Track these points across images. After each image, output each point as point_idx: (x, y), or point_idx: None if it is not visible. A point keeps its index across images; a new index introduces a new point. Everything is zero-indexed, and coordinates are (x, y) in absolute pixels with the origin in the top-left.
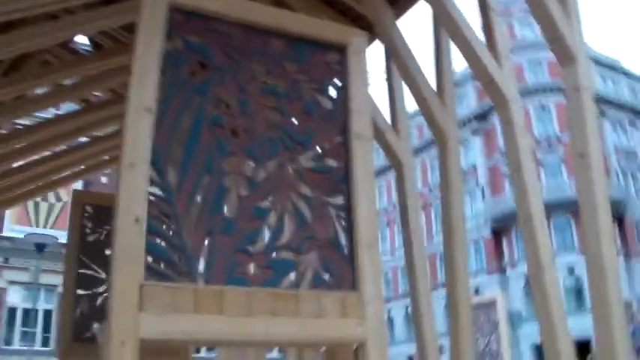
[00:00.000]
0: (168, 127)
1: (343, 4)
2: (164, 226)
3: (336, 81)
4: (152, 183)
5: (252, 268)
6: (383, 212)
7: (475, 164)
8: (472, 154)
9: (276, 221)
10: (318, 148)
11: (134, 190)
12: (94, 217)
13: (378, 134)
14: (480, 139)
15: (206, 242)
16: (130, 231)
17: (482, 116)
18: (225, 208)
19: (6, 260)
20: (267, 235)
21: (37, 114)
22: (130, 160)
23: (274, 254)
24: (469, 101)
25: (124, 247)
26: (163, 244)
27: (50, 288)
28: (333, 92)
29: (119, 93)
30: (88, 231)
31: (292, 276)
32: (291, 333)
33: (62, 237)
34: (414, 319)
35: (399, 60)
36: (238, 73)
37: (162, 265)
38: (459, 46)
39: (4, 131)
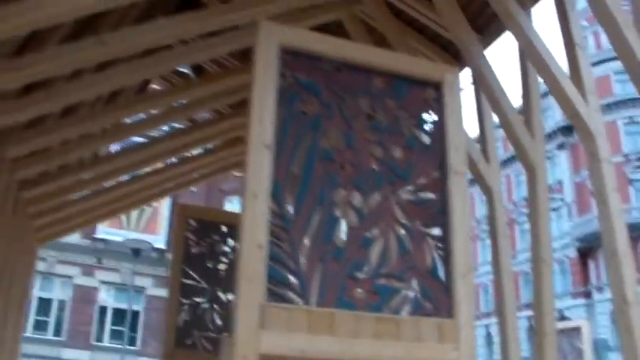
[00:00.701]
0: (284, 161)
1: (434, 32)
2: (282, 252)
3: (433, 116)
4: (272, 213)
5: (359, 292)
6: None
7: (561, 180)
8: (558, 169)
9: (380, 250)
10: (417, 181)
11: (257, 219)
12: (197, 230)
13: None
14: (566, 154)
15: (319, 268)
16: (253, 256)
17: (567, 129)
18: (336, 237)
19: (99, 261)
20: (372, 262)
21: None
22: (253, 192)
23: (379, 281)
24: (554, 113)
25: (247, 270)
26: (281, 268)
27: (139, 289)
28: (430, 127)
29: (222, 112)
30: (190, 243)
31: (395, 302)
32: (393, 355)
33: (153, 241)
34: (502, 342)
35: (486, 87)
36: (344, 109)
37: (280, 288)
38: (544, 79)
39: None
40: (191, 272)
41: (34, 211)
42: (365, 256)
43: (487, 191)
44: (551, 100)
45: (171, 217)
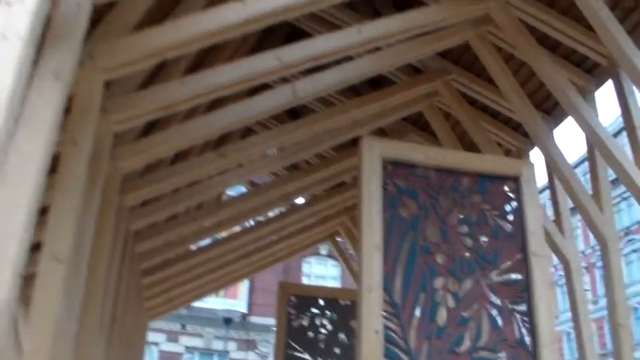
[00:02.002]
0: (391, 258)
1: (505, 116)
2: (394, 335)
3: (513, 206)
4: (384, 302)
5: None
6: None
7: None
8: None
9: (475, 327)
10: (503, 265)
11: (372, 309)
12: (297, 304)
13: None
14: None
15: (425, 345)
16: (371, 340)
17: None
18: (438, 318)
19: (183, 327)
20: (469, 338)
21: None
22: (368, 286)
23: (476, 354)
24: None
25: (367, 353)
26: (395, 348)
27: (223, 354)
28: (511, 216)
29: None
30: (292, 317)
31: None
32: None
33: (236, 306)
34: None
35: (555, 167)
36: (438, 208)
37: None
38: (608, 163)
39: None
40: (294, 344)
41: (149, 294)
42: (463, 332)
43: (565, 263)
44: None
45: (250, 282)
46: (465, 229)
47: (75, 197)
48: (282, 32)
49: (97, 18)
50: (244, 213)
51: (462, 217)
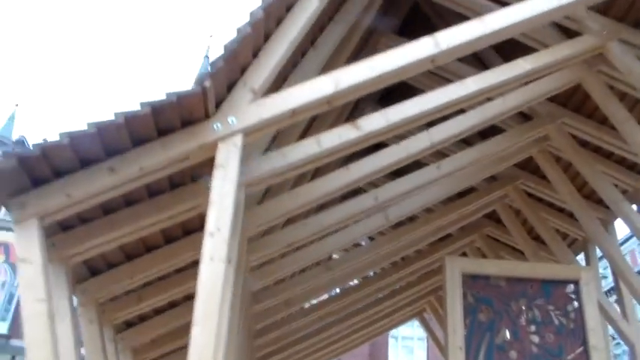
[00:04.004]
0: (472, 356)
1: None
2: None
3: (575, 306)
4: None
5: None
6: None
7: None
8: None
9: None
10: (567, 358)
11: None
12: None
13: (611, 321)
14: None
15: None
16: None
17: None
18: None
19: None
20: None
21: None
22: None
23: None
24: None
25: None
26: None
27: None
28: (573, 315)
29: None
30: None
31: None
32: None
33: None
34: None
35: (612, 260)
36: (510, 312)
37: None
38: None
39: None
40: None
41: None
42: None
43: (630, 347)
44: None
45: None
46: (533, 328)
47: None
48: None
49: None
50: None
51: (530, 317)
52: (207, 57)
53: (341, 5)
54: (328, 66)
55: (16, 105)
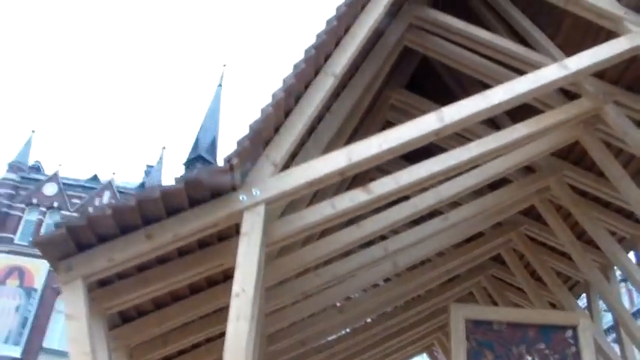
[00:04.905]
0: None
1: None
2: None
3: (573, 351)
4: None
5: None
6: None
7: None
8: None
9: None
10: None
11: None
12: None
13: None
14: None
15: None
16: None
17: None
18: None
19: None
20: None
21: None
22: None
23: None
24: None
25: None
26: None
27: None
28: (571, 358)
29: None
30: None
31: None
32: None
33: None
34: None
35: (611, 307)
36: (510, 356)
37: None
38: None
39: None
40: None
41: None
42: None
43: None
44: None
45: None
46: None
47: None
48: None
49: None
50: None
51: None
52: (220, 86)
53: (355, 72)
54: (343, 128)
55: (33, 131)
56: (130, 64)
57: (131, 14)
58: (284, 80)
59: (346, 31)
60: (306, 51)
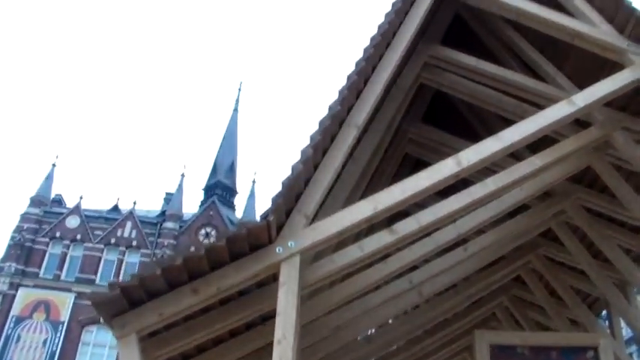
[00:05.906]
0: None
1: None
2: None
3: None
4: None
5: None
6: None
7: None
8: None
9: None
10: None
11: None
12: None
13: None
14: None
15: None
16: None
17: None
18: None
19: None
20: None
21: None
22: None
23: None
24: None
25: None
26: None
27: None
28: None
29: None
30: None
31: None
32: None
33: None
34: None
35: (630, 324)
36: None
37: None
38: None
39: None
40: None
41: None
42: None
43: None
44: None
45: None
46: None
47: None
48: None
49: None
50: None
51: None
52: (236, 110)
53: (374, 116)
54: (366, 168)
55: (54, 165)
56: (143, 89)
57: (144, 41)
58: (311, 137)
59: (365, 82)
60: (331, 107)
